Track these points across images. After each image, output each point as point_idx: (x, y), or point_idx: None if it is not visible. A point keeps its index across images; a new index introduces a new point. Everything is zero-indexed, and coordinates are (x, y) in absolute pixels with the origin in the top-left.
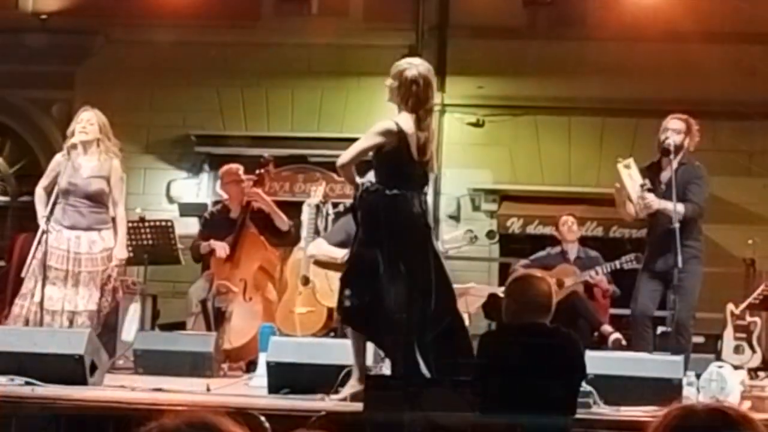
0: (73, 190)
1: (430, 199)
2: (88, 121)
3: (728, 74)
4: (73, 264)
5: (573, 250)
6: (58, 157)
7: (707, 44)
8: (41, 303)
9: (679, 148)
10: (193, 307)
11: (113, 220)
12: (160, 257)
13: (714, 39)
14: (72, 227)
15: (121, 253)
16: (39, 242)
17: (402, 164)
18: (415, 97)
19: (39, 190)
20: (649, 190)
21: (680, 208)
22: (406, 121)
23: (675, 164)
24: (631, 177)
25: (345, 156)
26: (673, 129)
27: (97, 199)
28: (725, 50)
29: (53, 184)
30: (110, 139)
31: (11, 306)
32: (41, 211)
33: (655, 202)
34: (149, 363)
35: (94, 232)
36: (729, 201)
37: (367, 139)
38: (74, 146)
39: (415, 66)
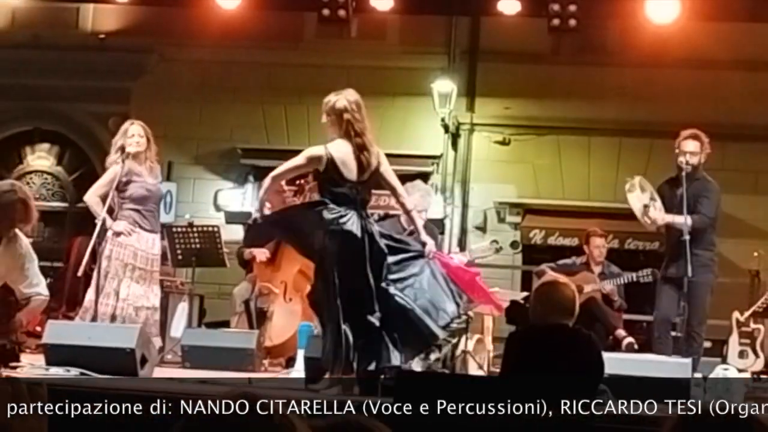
0: (150, 196)
1: (459, 211)
2: (138, 134)
3: (738, 99)
4: (151, 264)
5: (598, 266)
6: (117, 168)
7: (718, 71)
8: (95, 299)
9: (696, 168)
10: (237, 307)
11: None
12: (207, 260)
13: (725, 66)
14: (151, 230)
15: None
16: (111, 243)
17: (335, 185)
18: (348, 123)
19: (95, 198)
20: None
21: (689, 220)
22: (337, 148)
23: (690, 180)
24: (635, 198)
25: (276, 171)
26: (691, 152)
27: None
28: (735, 76)
29: (108, 193)
30: (152, 149)
31: (68, 303)
32: (101, 212)
33: (660, 218)
34: (196, 358)
35: (157, 234)
36: (736, 217)
37: (294, 161)
38: (133, 156)
39: (342, 96)
